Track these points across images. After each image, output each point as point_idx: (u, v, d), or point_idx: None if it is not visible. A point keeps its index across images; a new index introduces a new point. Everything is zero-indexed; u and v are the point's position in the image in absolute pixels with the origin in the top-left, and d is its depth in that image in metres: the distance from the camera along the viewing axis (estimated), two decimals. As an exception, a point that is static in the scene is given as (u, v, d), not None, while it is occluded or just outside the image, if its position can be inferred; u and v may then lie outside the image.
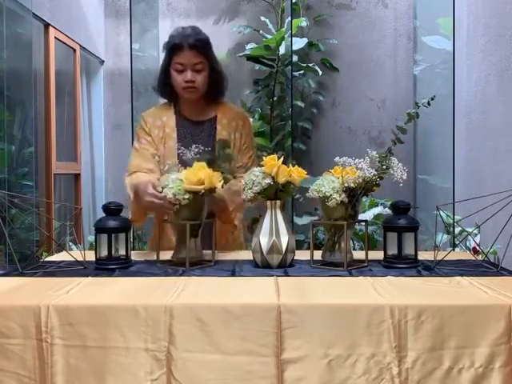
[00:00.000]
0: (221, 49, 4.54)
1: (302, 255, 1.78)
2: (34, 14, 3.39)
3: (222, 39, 4.54)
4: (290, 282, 1.46)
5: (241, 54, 4.36)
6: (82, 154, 4.30)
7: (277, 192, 1.66)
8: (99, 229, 1.68)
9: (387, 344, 1.21)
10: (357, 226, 3.16)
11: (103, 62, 4.68)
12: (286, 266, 1.65)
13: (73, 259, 1.71)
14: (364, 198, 1.72)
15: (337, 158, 1.66)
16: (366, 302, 1.26)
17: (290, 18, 4.04)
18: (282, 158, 1.65)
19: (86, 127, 4.58)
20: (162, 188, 1.67)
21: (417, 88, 4.33)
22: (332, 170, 1.68)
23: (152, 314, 1.23)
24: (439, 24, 3.83)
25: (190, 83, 2.04)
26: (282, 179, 1.63)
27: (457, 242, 2.26)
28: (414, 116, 1.64)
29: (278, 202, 1.67)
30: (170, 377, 1.21)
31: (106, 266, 1.65)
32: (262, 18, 4.32)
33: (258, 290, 1.39)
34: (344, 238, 1.63)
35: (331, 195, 1.60)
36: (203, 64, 2.05)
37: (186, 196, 1.63)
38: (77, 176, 4.21)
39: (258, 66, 4.39)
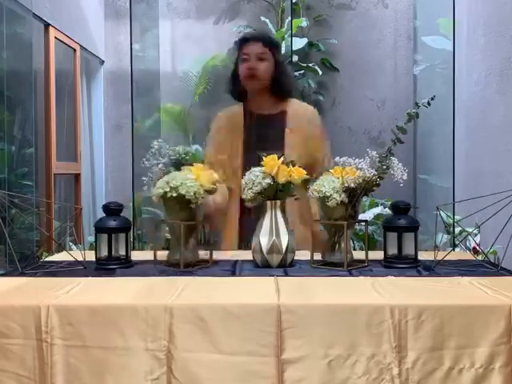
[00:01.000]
0: (221, 49, 4.54)
1: (302, 255, 1.77)
2: (33, 13, 3.39)
3: (222, 39, 4.55)
4: (290, 282, 1.46)
5: (241, 54, 4.35)
6: (82, 154, 4.30)
7: (277, 192, 1.66)
8: (99, 229, 1.68)
9: (387, 344, 1.21)
10: (357, 226, 3.15)
11: (103, 61, 4.68)
12: (286, 266, 1.65)
13: (73, 259, 1.71)
14: (364, 198, 1.72)
15: (337, 158, 1.66)
16: (366, 301, 1.26)
17: (290, 18, 4.04)
18: (282, 158, 1.65)
19: (86, 127, 4.58)
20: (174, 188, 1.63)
21: (417, 88, 4.34)
22: (332, 170, 1.68)
23: (152, 314, 1.23)
24: (439, 24, 3.83)
25: (251, 70, 2.12)
26: (281, 179, 1.63)
27: (457, 242, 2.26)
28: (414, 116, 1.64)
29: (278, 202, 1.67)
30: (170, 376, 1.21)
31: (106, 266, 1.65)
32: (262, 18, 4.33)
33: (258, 290, 1.39)
34: (344, 237, 1.63)
35: (331, 195, 1.60)
36: (267, 54, 2.14)
37: (206, 196, 1.63)
38: (77, 176, 4.22)
39: (258, 66, 4.38)
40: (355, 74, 4.39)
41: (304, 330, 1.22)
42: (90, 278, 1.52)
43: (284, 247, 1.64)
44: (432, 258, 1.67)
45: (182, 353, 1.21)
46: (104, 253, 1.67)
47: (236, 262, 1.76)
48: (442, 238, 3.20)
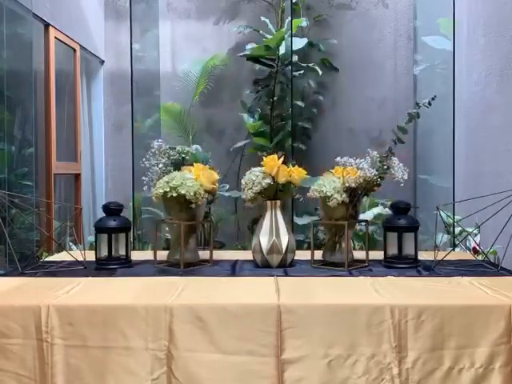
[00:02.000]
0: (221, 49, 4.54)
1: (302, 255, 1.77)
2: (34, 14, 3.39)
3: (222, 39, 4.55)
4: (290, 282, 1.46)
5: (241, 54, 4.36)
6: (82, 153, 4.30)
7: (277, 192, 1.66)
8: (99, 229, 1.68)
9: (387, 344, 1.21)
10: (357, 226, 3.15)
11: (103, 62, 4.68)
12: (286, 266, 1.65)
13: (73, 259, 1.71)
14: (364, 198, 1.72)
15: (338, 158, 1.66)
16: (366, 301, 1.26)
17: (290, 18, 4.04)
18: (282, 158, 1.65)
19: (86, 127, 4.58)
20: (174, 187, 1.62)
21: (417, 88, 4.33)
22: (333, 170, 1.68)
23: (152, 314, 1.23)
24: (439, 24, 3.83)
25: None
26: (281, 179, 1.63)
27: (457, 242, 2.26)
28: (415, 116, 1.64)
29: (278, 202, 1.67)
30: (170, 376, 1.21)
31: (106, 266, 1.65)
32: (262, 18, 4.32)
33: (258, 290, 1.39)
34: (345, 237, 1.63)
35: (332, 195, 1.60)
36: None
37: (206, 196, 1.63)
38: (77, 176, 4.21)
39: (257, 66, 4.39)
40: (355, 73, 4.39)
41: (304, 330, 1.22)
42: (89, 278, 1.52)
43: (284, 247, 1.64)
44: (432, 258, 1.67)
45: (182, 353, 1.21)
46: (104, 253, 1.67)
47: (236, 261, 1.76)
48: (442, 238, 3.20)
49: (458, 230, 2.83)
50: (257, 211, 2.59)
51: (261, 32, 4.29)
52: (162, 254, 1.75)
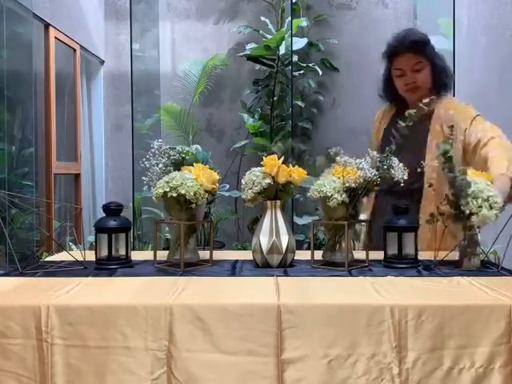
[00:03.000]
0: (221, 49, 4.54)
1: (302, 255, 1.77)
2: (34, 13, 3.39)
3: (222, 39, 4.55)
4: (290, 282, 1.46)
5: (241, 54, 4.36)
6: (82, 153, 4.30)
7: (277, 192, 1.66)
8: (99, 229, 1.68)
9: (387, 344, 1.21)
10: (357, 226, 3.15)
11: (103, 62, 4.68)
12: (286, 266, 1.65)
13: (73, 259, 1.71)
14: (364, 198, 1.72)
15: (338, 158, 1.66)
16: (366, 301, 1.26)
17: (290, 18, 4.04)
18: (282, 158, 1.65)
19: (86, 127, 4.58)
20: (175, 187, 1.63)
21: (417, 88, 4.33)
22: (333, 170, 1.68)
23: (152, 314, 1.23)
24: (439, 24, 3.83)
25: (411, 85, 2.06)
26: (282, 179, 1.63)
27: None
28: (415, 116, 1.64)
29: (278, 202, 1.67)
30: (170, 376, 1.21)
31: (106, 266, 1.65)
32: (262, 18, 4.33)
33: (258, 290, 1.39)
34: (345, 237, 1.63)
35: (332, 195, 1.60)
36: (422, 63, 2.05)
37: (206, 195, 1.63)
38: (77, 176, 4.22)
39: (257, 66, 4.39)
40: (355, 73, 4.39)
41: (304, 330, 1.22)
42: (89, 278, 1.52)
43: (284, 247, 1.64)
44: (432, 258, 1.67)
45: (182, 353, 1.21)
46: (104, 253, 1.67)
47: (236, 261, 1.76)
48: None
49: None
50: (257, 211, 2.60)
51: (261, 32, 4.30)
52: (162, 254, 1.75)
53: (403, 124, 1.64)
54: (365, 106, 4.39)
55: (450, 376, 1.20)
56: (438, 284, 1.44)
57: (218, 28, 4.58)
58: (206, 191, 1.64)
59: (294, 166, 1.68)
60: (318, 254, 1.72)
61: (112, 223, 1.67)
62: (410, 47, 2.05)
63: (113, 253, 1.67)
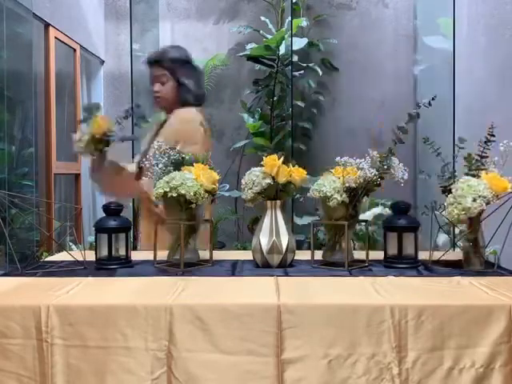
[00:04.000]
0: (221, 49, 4.54)
1: (302, 255, 1.77)
2: (34, 13, 3.39)
3: (222, 39, 4.55)
4: (290, 282, 1.46)
5: (241, 54, 4.36)
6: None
7: (277, 192, 1.66)
8: (99, 229, 1.68)
9: (387, 344, 1.21)
10: (357, 226, 3.16)
11: (103, 62, 4.68)
12: (286, 266, 1.65)
13: (73, 259, 1.71)
14: (364, 198, 1.72)
15: (338, 158, 1.66)
16: (366, 301, 1.26)
17: (290, 18, 4.04)
18: (282, 158, 1.65)
19: (86, 127, 4.57)
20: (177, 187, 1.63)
21: (417, 88, 4.33)
22: (333, 170, 1.68)
23: (152, 314, 1.23)
24: (439, 24, 3.83)
25: (155, 93, 2.34)
26: (282, 179, 1.63)
27: (456, 242, 2.25)
28: (415, 116, 1.64)
29: (278, 202, 1.67)
30: (170, 376, 1.21)
31: (106, 266, 1.65)
32: (262, 18, 4.33)
33: (259, 290, 1.39)
34: (345, 237, 1.63)
35: (332, 195, 1.60)
36: (166, 76, 2.31)
37: (206, 195, 1.63)
38: (77, 176, 4.21)
39: (258, 66, 4.39)
40: (355, 73, 4.39)
41: (304, 330, 1.22)
42: (89, 278, 1.52)
43: (284, 247, 1.64)
44: (433, 258, 1.67)
45: (182, 353, 1.22)
46: (104, 253, 1.67)
47: (236, 262, 1.76)
48: (439, 236, 3.19)
49: (458, 230, 2.83)
50: (257, 211, 2.60)
51: (261, 32, 4.29)
52: (162, 254, 1.75)
53: (404, 124, 1.64)
54: (365, 106, 4.41)
55: (450, 376, 1.20)
56: (438, 284, 1.44)
57: (217, 28, 4.57)
58: (206, 191, 1.64)
59: (293, 166, 1.68)
60: (318, 254, 1.72)
61: (112, 223, 1.67)
62: (151, 60, 2.35)
63: (113, 253, 1.67)
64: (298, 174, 1.65)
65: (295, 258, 1.70)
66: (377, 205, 3.61)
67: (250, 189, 1.64)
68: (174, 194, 1.59)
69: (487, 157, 1.65)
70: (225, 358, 1.21)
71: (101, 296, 1.35)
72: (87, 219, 4.39)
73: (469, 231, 1.60)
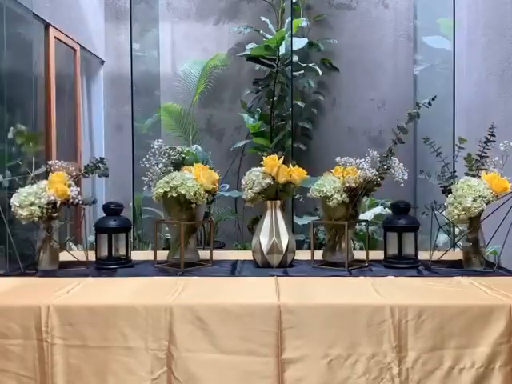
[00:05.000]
0: (221, 49, 4.54)
1: (302, 255, 1.77)
2: (34, 14, 3.39)
3: (222, 39, 4.55)
4: (291, 282, 1.46)
5: (241, 54, 4.36)
6: (82, 154, 4.30)
7: (277, 192, 1.66)
8: (99, 229, 1.68)
9: (387, 344, 1.21)
10: (357, 226, 3.16)
11: (103, 62, 4.68)
12: (287, 266, 1.65)
13: (73, 259, 1.71)
14: (364, 198, 1.72)
15: (338, 158, 1.66)
16: (366, 301, 1.26)
17: (290, 18, 4.04)
18: (282, 158, 1.65)
19: (86, 127, 4.58)
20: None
21: (417, 88, 4.33)
22: (332, 170, 1.68)
23: (152, 314, 1.23)
24: (439, 24, 3.83)
25: None
26: (282, 179, 1.63)
27: (457, 242, 2.25)
28: (415, 116, 1.64)
29: (278, 202, 1.67)
30: (170, 376, 1.21)
31: (106, 266, 1.65)
32: (262, 18, 4.32)
33: (259, 290, 1.39)
34: (345, 237, 1.63)
35: (332, 195, 1.60)
36: None
37: (206, 195, 1.63)
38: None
39: (258, 66, 4.39)
40: (355, 73, 4.39)
41: (304, 329, 1.22)
42: (90, 278, 1.52)
43: (284, 247, 1.64)
44: (433, 258, 1.67)
45: (183, 352, 1.22)
46: (104, 253, 1.67)
47: (236, 261, 1.76)
48: (441, 238, 3.19)
49: (458, 229, 2.83)
50: (257, 211, 2.60)
51: (261, 32, 4.29)
52: (162, 254, 1.75)
53: (404, 124, 1.64)
54: (365, 106, 4.41)
55: (450, 376, 1.20)
56: (438, 284, 1.44)
57: (217, 28, 4.57)
58: (206, 191, 1.64)
59: (293, 166, 1.68)
60: (318, 254, 1.72)
61: (112, 223, 1.67)
62: None
63: (113, 253, 1.67)
64: (297, 173, 1.65)
65: (295, 258, 1.70)
66: (377, 205, 3.61)
67: (250, 189, 1.64)
68: (174, 194, 1.59)
69: (487, 157, 1.65)
70: (225, 358, 1.21)
71: (101, 296, 1.35)
72: (87, 219, 4.39)
73: (469, 231, 1.60)
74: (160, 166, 1.72)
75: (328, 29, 4.45)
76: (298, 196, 3.58)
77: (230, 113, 4.54)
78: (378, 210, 3.53)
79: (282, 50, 4.17)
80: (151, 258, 1.73)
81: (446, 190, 1.63)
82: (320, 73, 4.29)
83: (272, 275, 1.53)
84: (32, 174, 1.67)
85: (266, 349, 1.21)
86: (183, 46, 4.66)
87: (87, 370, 1.23)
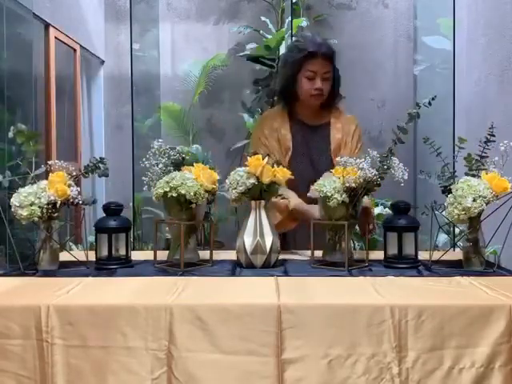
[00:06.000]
0: (221, 49, 4.54)
1: (302, 255, 1.77)
2: (34, 14, 3.39)
3: (222, 39, 4.55)
4: (290, 282, 1.46)
5: (241, 54, 4.37)
6: (82, 154, 4.30)
7: (261, 192, 1.65)
8: (99, 229, 1.68)
9: (387, 344, 1.21)
10: (357, 226, 3.15)
11: (103, 62, 4.69)
12: (270, 267, 1.64)
13: (73, 259, 1.71)
14: (364, 198, 1.72)
15: (338, 158, 1.66)
16: (366, 301, 1.26)
17: (290, 18, 4.04)
18: (266, 158, 1.64)
19: (86, 127, 4.58)
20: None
21: (417, 88, 4.34)
22: (333, 170, 1.68)
23: (152, 314, 1.23)
24: (439, 24, 3.84)
25: (318, 91, 2.07)
26: (266, 179, 1.62)
27: (457, 242, 2.25)
28: (415, 116, 1.64)
29: (263, 202, 1.66)
30: (170, 376, 1.21)
31: (106, 266, 1.65)
32: (262, 18, 4.33)
33: (259, 290, 1.39)
34: (345, 237, 1.63)
35: (332, 195, 1.60)
36: (330, 73, 2.11)
37: (206, 195, 1.63)
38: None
39: (258, 66, 4.39)
40: (355, 74, 4.39)
41: (304, 330, 1.22)
42: (90, 278, 1.52)
43: (268, 247, 1.63)
44: (433, 258, 1.67)
45: (183, 353, 1.21)
46: (104, 253, 1.67)
47: (236, 261, 1.76)
48: (442, 238, 3.20)
49: (458, 230, 2.83)
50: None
51: (261, 32, 4.30)
52: (162, 254, 1.74)
53: (404, 124, 1.64)
54: (365, 106, 4.41)
55: (450, 376, 1.20)
56: (438, 284, 1.44)
57: (218, 28, 4.58)
58: (206, 191, 1.64)
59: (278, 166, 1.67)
60: (318, 254, 1.72)
61: (112, 223, 1.67)
62: (325, 54, 2.10)
63: (113, 253, 1.67)
64: (281, 174, 1.64)
65: (296, 258, 1.70)
66: (377, 205, 3.61)
67: (235, 189, 1.63)
68: (174, 194, 1.59)
69: (487, 157, 1.65)
70: (225, 358, 1.21)
71: (101, 296, 1.35)
72: (87, 219, 4.39)
73: (469, 231, 1.60)
74: (160, 166, 1.72)
75: (328, 29, 4.45)
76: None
77: (230, 113, 4.55)
78: (378, 210, 3.53)
79: (282, 50, 4.18)
80: (151, 257, 1.73)
81: (446, 190, 1.63)
82: (320, 73, 4.29)
83: (272, 275, 1.53)
84: (32, 174, 1.67)
85: (266, 349, 1.21)
86: (183, 46, 4.66)
87: (87, 370, 1.23)
